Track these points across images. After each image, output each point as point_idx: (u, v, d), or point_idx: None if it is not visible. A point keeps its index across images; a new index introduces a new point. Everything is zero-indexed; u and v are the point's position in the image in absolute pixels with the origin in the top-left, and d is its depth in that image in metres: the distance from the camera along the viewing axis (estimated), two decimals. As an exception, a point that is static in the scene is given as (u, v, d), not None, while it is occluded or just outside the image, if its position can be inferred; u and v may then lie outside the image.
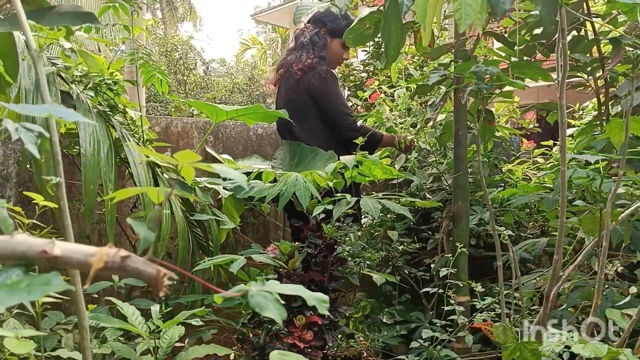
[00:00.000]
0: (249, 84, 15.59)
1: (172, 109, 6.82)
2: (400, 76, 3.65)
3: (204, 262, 1.75)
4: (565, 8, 1.24)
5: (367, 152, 2.10)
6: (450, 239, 2.40)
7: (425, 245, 2.88)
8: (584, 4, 2.28)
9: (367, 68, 4.15)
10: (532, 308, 1.74)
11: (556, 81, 1.26)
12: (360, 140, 2.07)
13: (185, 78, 13.58)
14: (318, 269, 1.73)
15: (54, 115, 0.60)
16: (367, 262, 2.19)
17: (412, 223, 2.94)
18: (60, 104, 1.94)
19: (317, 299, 0.55)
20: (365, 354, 2.35)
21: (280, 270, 1.74)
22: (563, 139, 1.25)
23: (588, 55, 2.37)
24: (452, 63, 2.11)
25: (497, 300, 1.95)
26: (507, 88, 1.81)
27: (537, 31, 2.33)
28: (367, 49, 4.23)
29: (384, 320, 2.69)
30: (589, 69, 2.43)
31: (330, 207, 1.81)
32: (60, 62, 2.01)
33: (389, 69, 4.05)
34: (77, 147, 2.35)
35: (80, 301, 0.64)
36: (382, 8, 2.12)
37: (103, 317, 1.41)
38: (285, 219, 2.66)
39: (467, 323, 1.98)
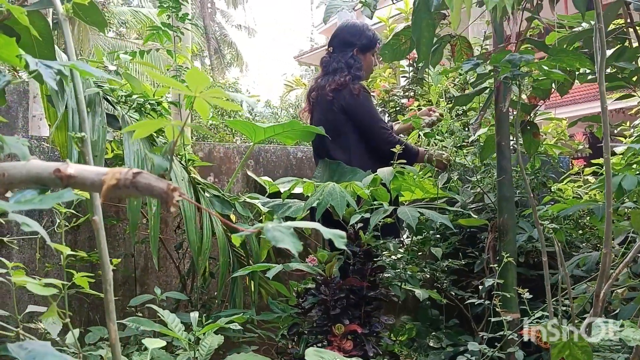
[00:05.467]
0: (294, 123, 15.88)
1: (217, 141, 7.01)
2: (442, 98, 3.63)
3: (243, 270, 1.75)
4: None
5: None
6: (497, 255, 2.31)
7: (473, 268, 2.78)
8: (627, 13, 2.23)
9: (407, 93, 4.15)
10: (584, 316, 1.64)
11: (596, 68, 1.22)
12: (398, 149, 2.05)
13: (231, 119, 13.97)
14: (356, 276, 1.69)
15: (76, 67, 0.62)
16: (409, 272, 2.12)
17: (457, 243, 2.86)
18: (105, 124, 2.02)
19: (333, 234, 0.53)
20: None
21: (318, 277, 1.71)
22: (605, 124, 1.20)
23: (634, 63, 2.30)
24: (491, 73, 2.08)
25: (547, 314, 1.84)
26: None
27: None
28: (407, 75, 4.25)
29: (431, 344, 2.59)
30: (634, 78, 2.36)
31: (368, 215, 1.78)
32: (107, 85, 2.10)
33: (430, 93, 4.04)
34: (124, 170, 2.43)
35: (104, 254, 0.65)
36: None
37: (144, 320, 1.41)
38: (324, 239, 2.63)
39: (517, 338, 1.87)
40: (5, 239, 1.26)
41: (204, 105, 0.56)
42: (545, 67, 1.78)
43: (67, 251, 0.95)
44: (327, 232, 0.53)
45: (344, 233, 0.54)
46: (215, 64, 26.20)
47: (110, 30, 12.71)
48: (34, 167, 0.51)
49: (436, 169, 2.74)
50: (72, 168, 0.50)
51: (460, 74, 3.89)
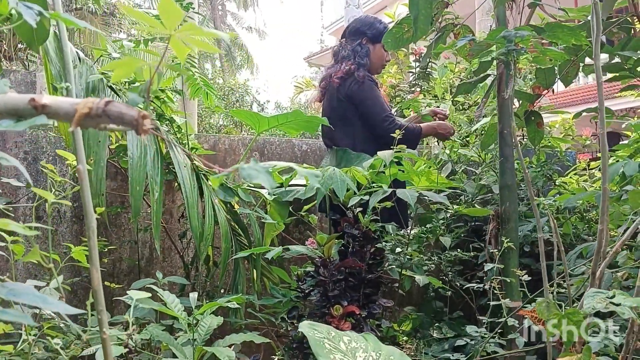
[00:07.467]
0: (303, 124, 15.93)
1: (224, 134, 7.07)
2: (446, 92, 3.64)
3: (244, 252, 1.76)
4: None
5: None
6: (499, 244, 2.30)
7: (478, 260, 2.78)
8: (632, 3, 2.22)
9: (413, 89, 4.16)
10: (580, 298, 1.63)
11: (590, 41, 1.21)
12: (397, 133, 2.05)
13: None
14: (355, 258, 1.70)
15: (59, 16, 0.63)
16: (408, 257, 2.12)
17: (463, 235, 2.85)
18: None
19: (309, 173, 0.54)
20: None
21: (316, 259, 1.72)
22: (601, 101, 1.19)
23: (639, 52, 2.29)
24: (494, 60, 2.08)
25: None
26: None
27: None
28: (413, 70, 4.25)
29: (434, 334, 2.59)
30: (639, 68, 2.34)
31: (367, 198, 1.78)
32: (111, 73, 2.12)
33: (433, 86, 4.04)
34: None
35: (88, 203, 0.66)
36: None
37: (143, 298, 1.42)
38: (330, 229, 2.64)
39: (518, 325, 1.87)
40: (1, 206, 1.28)
41: (180, 45, 0.57)
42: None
43: (52, 198, 0.96)
44: (303, 172, 0.54)
45: (319, 172, 0.54)
46: (225, 66, 26.30)
47: (121, 31, 12.85)
48: (11, 98, 0.53)
49: (441, 139, 2.79)
50: (47, 98, 0.52)
51: (466, 68, 3.90)
